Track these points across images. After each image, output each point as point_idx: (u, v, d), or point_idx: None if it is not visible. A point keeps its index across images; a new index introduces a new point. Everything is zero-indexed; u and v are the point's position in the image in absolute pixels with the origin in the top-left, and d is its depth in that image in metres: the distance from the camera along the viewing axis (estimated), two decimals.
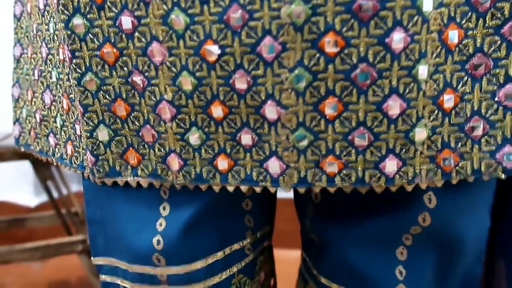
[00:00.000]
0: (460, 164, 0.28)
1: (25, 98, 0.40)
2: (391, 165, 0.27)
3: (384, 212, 0.33)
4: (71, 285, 1.20)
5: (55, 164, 0.38)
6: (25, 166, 1.33)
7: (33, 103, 0.38)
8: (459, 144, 0.27)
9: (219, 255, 0.36)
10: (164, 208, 0.34)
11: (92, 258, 0.40)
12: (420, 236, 0.34)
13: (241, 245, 0.38)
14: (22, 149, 0.41)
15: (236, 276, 0.38)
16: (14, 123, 0.42)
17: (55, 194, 0.92)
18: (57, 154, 0.37)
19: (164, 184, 0.32)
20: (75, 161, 0.35)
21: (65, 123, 0.35)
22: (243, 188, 0.29)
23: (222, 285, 0.37)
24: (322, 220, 0.38)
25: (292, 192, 0.39)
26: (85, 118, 0.31)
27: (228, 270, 0.37)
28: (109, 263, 0.38)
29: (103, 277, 0.39)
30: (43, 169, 0.82)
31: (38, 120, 0.38)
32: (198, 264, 0.35)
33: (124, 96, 0.29)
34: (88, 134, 0.31)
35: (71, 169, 0.36)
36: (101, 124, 0.31)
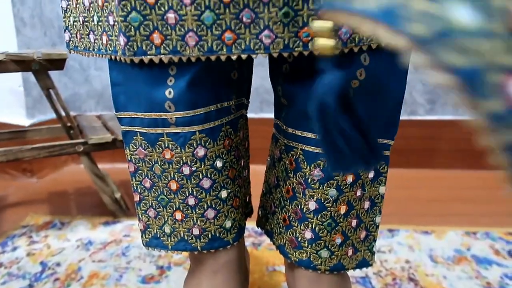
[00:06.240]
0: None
1: (71, 7, 0.47)
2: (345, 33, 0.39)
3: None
4: (69, 195, 1.32)
5: (95, 56, 0.46)
6: (18, 90, 1.40)
7: (77, 9, 0.46)
8: None
9: (213, 107, 0.49)
10: (172, 69, 0.46)
11: (115, 113, 0.51)
12: (357, 89, 0.46)
13: (228, 103, 0.50)
14: (72, 52, 0.49)
15: (224, 126, 0.50)
16: (65, 31, 0.49)
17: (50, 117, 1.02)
18: (95, 48, 0.45)
19: (181, 58, 0.40)
20: (109, 48, 0.43)
21: (100, 19, 0.42)
22: (243, 56, 0.39)
23: (215, 130, 0.48)
24: (290, 84, 0.50)
25: (268, 69, 0.51)
26: (120, 5, 0.38)
27: (219, 120, 0.49)
28: (129, 116, 0.50)
29: (124, 128, 0.51)
30: (44, 78, 0.91)
31: (81, 22, 0.46)
32: (199, 111, 0.47)
33: None
34: (122, 19, 0.39)
35: (106, 56, 0.44)
36: (133, 11, 0.38)
